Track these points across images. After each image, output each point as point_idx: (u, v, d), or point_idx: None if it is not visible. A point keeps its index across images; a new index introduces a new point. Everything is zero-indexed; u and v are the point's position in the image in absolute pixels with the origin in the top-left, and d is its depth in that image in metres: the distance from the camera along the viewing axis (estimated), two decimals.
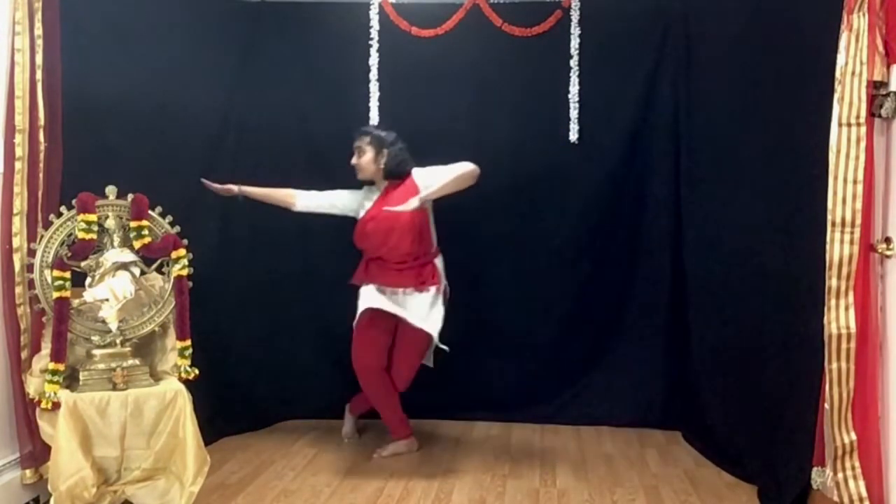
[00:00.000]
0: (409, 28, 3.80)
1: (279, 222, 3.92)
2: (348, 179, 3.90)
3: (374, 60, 3.80)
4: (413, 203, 3.14)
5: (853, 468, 2.43)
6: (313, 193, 3.44)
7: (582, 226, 3.89)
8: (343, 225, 3.94)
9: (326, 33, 3.85)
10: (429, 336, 3.26)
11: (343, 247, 3.95)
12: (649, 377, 3.88)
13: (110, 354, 2.70)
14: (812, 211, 2.52)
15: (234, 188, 3.37)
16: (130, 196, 2.79)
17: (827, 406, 2.47)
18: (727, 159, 3.34)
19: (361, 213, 3.40)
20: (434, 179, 3.23)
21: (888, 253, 2.37)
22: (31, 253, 2.66)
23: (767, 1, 3.05)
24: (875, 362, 2.41)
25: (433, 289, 3.34)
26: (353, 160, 3.38)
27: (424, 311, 3.31)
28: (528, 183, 3.86)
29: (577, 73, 3.77)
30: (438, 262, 3.41)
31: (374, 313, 3.26)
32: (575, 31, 3.75)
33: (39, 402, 2.57)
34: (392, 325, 3.36)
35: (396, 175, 3.35)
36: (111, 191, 2.77)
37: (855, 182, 2.37)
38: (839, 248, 2.39)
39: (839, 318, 2.40)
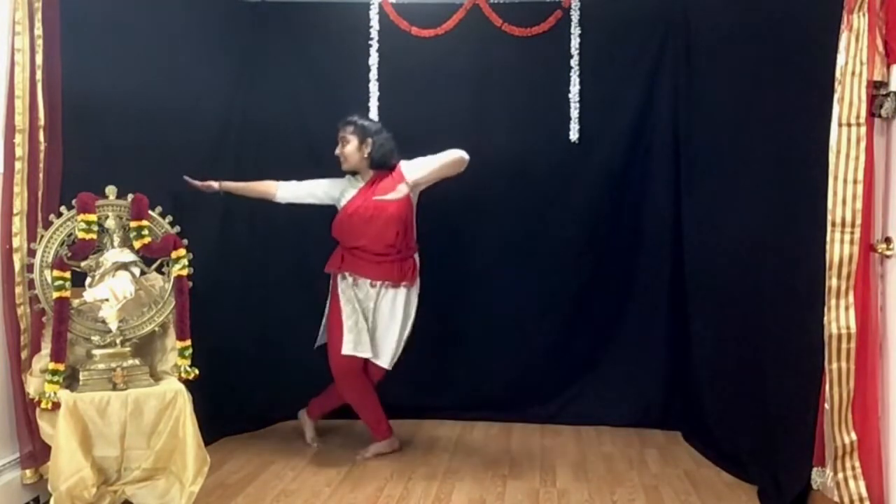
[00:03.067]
0: (409, 28, 3.80)
1: (279, 223, 3.93)
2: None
3: (374, 60, 3.80)
4: (402, 190, 3.13)
5: (853, 468, 2.43)
6: (293, 184, 3.43)
7: (582, 226, 3.89)
8: None
9: (326, 33, 3.85)
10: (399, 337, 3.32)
11: None
12: (649, 377, 3.88)
13: (110, 354, 2.70)
14: (812, 211, 2.52)
15: (215, 184, 3.36)
16: (130, 196, 2.79)
17: (827, 406, 2.47)
18: (727, 159, 3.35)
19: (343, 202, 3.38)
20: (421, 167, 3.24)
21: (888, 253, 2.37)
22: (31, 253, 2.66)
23: (767, 1, 3.05)
24: (875, 362, 2.41)
25: (407, 287, 3.34)
26: (337, 150, 3.38)
27: (393, 323, 3.32)
28: (528, 183, 3.87)
29: (577, 73, 3.77)
30: (416, 258, 3.41)
31: (353, 313, 3.29)
32: (575, 31, 3.75)
33: (39, 402, 2.56)
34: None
35: (382, 165, 3.34)
36: (111, 191, 2.77)
37: (855, 182, 2.37)
38: (839, 248, 2.39)
39: (839, 318, 2.40)
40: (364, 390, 3.41)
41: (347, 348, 3.27)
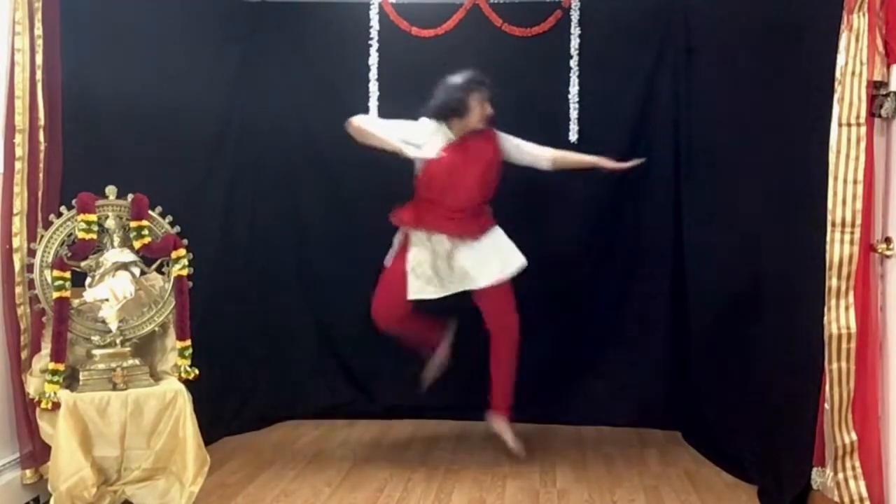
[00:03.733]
0: (409, 28, 3.80)
1: (279, 222, 3.93)
2: (348, 179, 3.91)
3: (373, 60, 3.80)
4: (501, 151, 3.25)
5: (853, 468, 2.43)
6: (370, 120, 3.35)
7: (582, 226, 3.89)
8: (343, 225, 3.96)
9: (326, 33, 3.85)
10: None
11: (343, 247, 3.97)
12: (649, 377, 3.87)
13: (110, 354, 2.70)
14: (812, 211, 2.52)
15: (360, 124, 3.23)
16: (130, 196, 2.79)
17: (827, 406, 2.47)
18: (727, 159, 3.34)
19: (426, 150, 3.21)
20: (520, 147, 3.31)
21: (888, 253, 2.37)
22: (31, 253, 2.66)
23: (767, 1, 3.05)
24: (875, 362, 2.41)
25: (489, 232, 3.32)
26: (488, 110, 3.26)
27: (491, 259, 3.27)
28: (528, 183, 3.85)
29: (577, 73, 3.77)
30: (488, 207, 3.40)
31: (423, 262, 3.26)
32: (575, 31, 3.75)
33: (39, 402, 2.57)
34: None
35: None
36: (111, 191, 2.77)
37: (855, 182, 2.36)
38: (839, 248, 2.39)
39: (839, 318, 2.40)
40: (409, 326, 3.38)
41: (413, 290, 3.24)
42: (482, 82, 3.27)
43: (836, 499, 2.47)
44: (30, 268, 2.66)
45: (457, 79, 3.27)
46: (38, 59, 2.72)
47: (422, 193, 3.31)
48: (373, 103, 3.80)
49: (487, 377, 3.47)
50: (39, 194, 2.76)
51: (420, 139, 3.26)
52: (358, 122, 3.23)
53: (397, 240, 3.40)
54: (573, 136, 3.78)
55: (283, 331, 3.96)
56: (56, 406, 2.54)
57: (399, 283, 3.28)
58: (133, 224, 2.77)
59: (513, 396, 3.46)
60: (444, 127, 3.29)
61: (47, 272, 2.65)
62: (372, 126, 3.26)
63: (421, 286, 3.27)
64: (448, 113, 3.26)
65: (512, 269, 3.30)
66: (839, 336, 2.40)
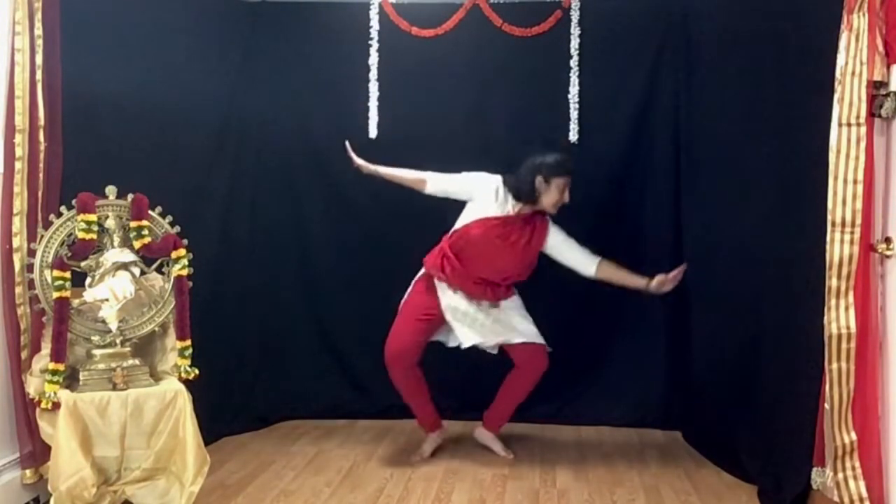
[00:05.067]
0: (409, 28, 3.80)
1: (280, 222, 3.93)
2: (348, 178, 3.90)
3: (373, 60, 3.80)
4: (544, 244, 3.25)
5: (853, 468, 2.43)
6: (442, 178, 3.27)
7: (582, 225, 3.88)
8: (343, 224, 3.96)
9: (326, 33, 3.85)
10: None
11: (343, 247, 3.97)
12: (649, 377, 3.88)
13: (110, 354, 2.69)
14: (812, 211, 2.52)
15: (359, 161, 3.30)
16: (130, 196, 2.79)
17: (827, 406, 2.47)
18: (727, 159, 3.34)
19: (479, 211, 3.22)
20: (572, 246, 3.29)
21: (888, 253, 2.37)
22: (31, 253, 2.66)
23: (767, 1, 3.05)
24: (875, 362, 2.41)
25: (507, 300, 3.36)
26: (566, 198, 3.22)
27: (515, 321, 3.31)
28: None
29: (577, 73, 3.77)
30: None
31: (428, 309, 3.29)
32: (575, 31, 3.75)
33: (39, 402, 2.56)
34: (438, 325, 3.35)
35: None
36: (111, 191, 2.77)
37: (855, 182, 2.36)
38: (839, 248, 2.39)
39: (839, 318, 2.40)
40: (415, 382, 3.37)
41: (463, 337, 3.27)
42: (570, 170, 3.20)
43: (836, 499, 2.47)
44: (30, 268, 2.66)
45: (545, 159, 3.16)
46: (38, 59, 2.72)
47: (454, 251, 3.28)
48: (373, 103, 3.80)
49: (493, 391, 3.50)
50: (39, 194, 2.76)
51: (485, 194, 3.23)
52: (431, 188, 3.28)
53: (419, 281, 3.41)
54: (573, 136, 3.78)
55: (283, 331, 3.96)
56: (56, 406, 2.54)
57: (419, 321, 3.31)
58: (133, 224, 2.77)
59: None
60: (510, 197, 3.22)
61: (47, 272, 2.65)
62: (445, 186, 3.27)
63: (466, 333, 3.28)
64: (518, 195, 3.21)
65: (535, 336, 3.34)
66: (839, 336, 2.40)
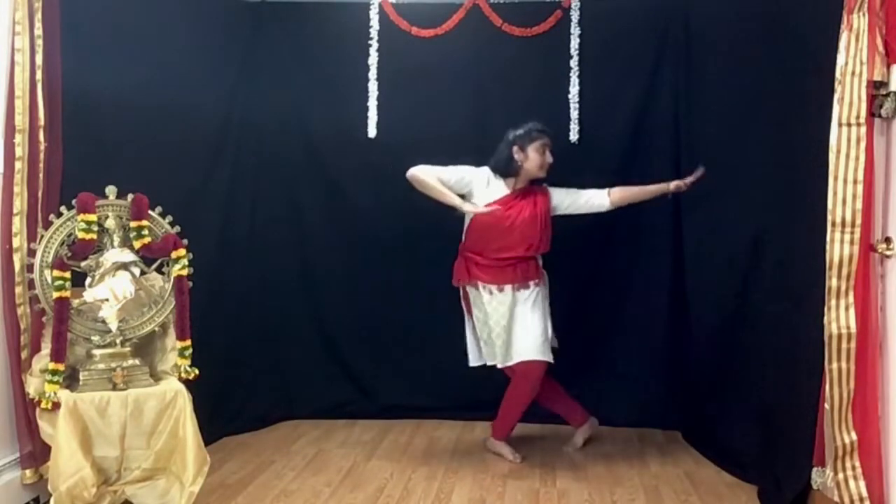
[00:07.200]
0: (409, 28, 3.80)
1: (279, 222, 3.93)
2: (348, 178, 3.92)
3: (373, 60, 3.80)
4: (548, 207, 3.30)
5: (853, 468, 2.43)
6: (441, 171, 3.28)
7: (582, 225, 3.89)
8: (342, 225, 3.96)
9: (326, 33, 3.85)
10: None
11: (343, 247, 3.97)
12: (649, 377, 3.88)
13: (110, 354, 2.69)
14: (812, 211, 2.52)
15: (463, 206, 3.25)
16: (130, 196, 2.79)
17: (827, 406, 2.47)
18: (727, 159, 3.34)
19: (479, 199, 3.28)
20: (579, 193, 3.35)
21: (888, 253, 2.37)
22: (31, 253, 2.66)
23: (767, 1, 3.05)
24: (875, 362, 2.41)
25: (535, 284, 3.34)
26: (548, 159, 3.31)
27: (534, 318, 3.31)
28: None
29: (577, 73, 3.77)
30: (539, 259, 3.43)
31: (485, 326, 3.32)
32: (575, 31, 3.76)
33: (39, 402, 2.56)
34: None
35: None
36: (111, 191, 2.77)
37: (855, 182, 2.36)
38: (839, 248, 2.39)
39: (839, 318, 2.40)
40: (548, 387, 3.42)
41: (472, 359, 3.39)
42: (542, 131, 3.31)
43: (836, 499, 2.47)
44: (30, 268, 2.66)
45: (516, 131, 3.31)
46: (38, 59, 2.72)
47: (470, 245, 3.34)
48: (372, 103, 3.80)
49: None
50: (39, 194, 2.76)
51: (478, 187, 3.32)
52: (417, 172, 3.26)
53: (464, 300, 3.44)
54: (573, 136, 3.78)
55: (283, 331, 3.96)
56: (56, 406, 2.54)
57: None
58: (133, 224, 2.77)
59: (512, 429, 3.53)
60: (500, 178, 3.34)
61: (47, 272, 2.64)
62: (431, 178, 3.24)
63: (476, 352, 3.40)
64: (503, 170, 3.32)
65: (548, 357, 3.33)
66: (839, 336, 2.40)
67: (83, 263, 2.72)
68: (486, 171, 3.35)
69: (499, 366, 3.33)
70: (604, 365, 3.94)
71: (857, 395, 2.40)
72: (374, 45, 3.80)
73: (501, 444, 3.49)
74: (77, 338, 2.71)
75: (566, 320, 3.93)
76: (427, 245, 3.76)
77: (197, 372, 2.80)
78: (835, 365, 2.42)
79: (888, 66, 2.33)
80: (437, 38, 3.80)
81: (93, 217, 2.69)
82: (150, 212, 2.81)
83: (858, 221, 2.36)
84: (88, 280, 2.72)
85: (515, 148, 3.29)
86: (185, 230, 2.88)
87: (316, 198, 3.96)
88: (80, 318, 2.71)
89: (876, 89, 2.36)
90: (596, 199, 3.37)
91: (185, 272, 2.81)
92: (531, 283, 3.33)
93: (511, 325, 3.29)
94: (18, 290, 2.70)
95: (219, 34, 3.66)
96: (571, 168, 3.82)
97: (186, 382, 2.75)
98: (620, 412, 3.88)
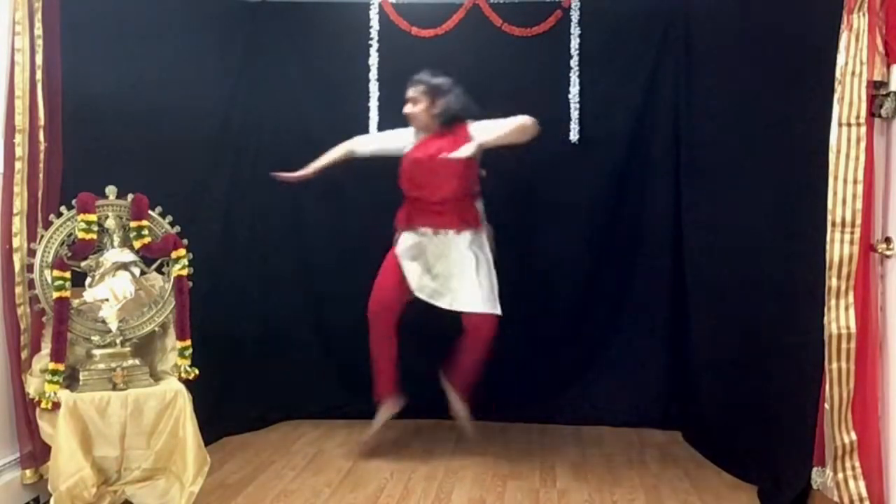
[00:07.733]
0: (409, 28, 3.81)
1: (279, 223, 3.93)
2: (348, 178, 3.91)
3: (374, 60, 3.80)
4: (467, 150, 3.22)
5: (853, 468, 2.43)
6: (368, 139, 3.56)
7: (582, 226, 3.89)
8: (342, 225, 3.96)
9: (326, 33, 3.85)
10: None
11: (342, 247, 3.97)
12: (649, 377, 3.87)
13: (110, 354, 2.69)
14: (812, 211, 2.52)
15: (306, 171, 3.43)
16: (130, 196, 2.79)
17: (827, 406, 2.47)
18: (727, 159, 3.35)
19: (405, 151, 3.38)
20: (490, 130, 3.28)
21: (888, 253, 2.37)
22: (31, 253, 2.66)
23: (767, 1, 3.05)
24: (875, 362, 2.41)
25: (471, 231, 3.34)
26: (407, 109, 3.36)
27: (468, 279, 3.28)
28: (528, 183, 3.86)
29: (577, 73, 3.77)
30: (479, 204, 3.42)
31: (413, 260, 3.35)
32: (575, 31, 3.76)
33: (39, 402, 2.56)
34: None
35: (450, 123, 3.33)
36: (111, 191, 2.77)
37: (855, 182, 2.36)
38: (839, 248, 2.39)
39: (839, 318, 2.40)
40: (384, 344, 3.40)
41: (410, 277, 3.33)
42: (413, 80, 3.36)
43: (836, 499, 2.47)
44: (30, 268, 2.66)
45: None
46: (38, 59, 2.72)
47: (405, 192, 3.41)
48: (373, 103, 3.80)
49: (483, 379, 3.49)
50: (39, 194, 2.76)
51: (407, 143, 3.40)
52: (361, 150, 3.47)
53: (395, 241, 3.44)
54: (574, 136, 3.78)
55: (282, 331, 3.95)
56: (56, 406, 2.54)
57: (391, 275, 3.37)
58: (133, 224, 2.77)
59: (472, 394, 3.51)
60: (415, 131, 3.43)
61: (47, 272, 2.64)
62: (336, 150, 3.46)
63: (417, 274, 3.34)
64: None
65: (496, 310, 3.30)
66: (839, 336, 2.40)
67: (83, 263, 2.72)
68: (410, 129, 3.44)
69: (432, 300, 3.33)
70: (604, 364, 3.94)
71: (856, 395, 2.40)
72: (374, 45, 3.80)
73: (454, 395, 3.49)
74: (77, 338, 2.71)
75: (567, 320, 3.94)
76: None
77: (197, 372, 2.80)
78: (835, 365, 2.42)
79: (888, 66, 2.33)
80: (437, 38, 3.80)
81: (93, 217, 2.69)
82: (150, 212, 2.81)
83: (858, 221, 2.36)
84: (88, 280, 2.72)
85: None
86: (185, 230, 2.88)
87: (316, 198, 3.96)
88: (80, 318, 2.71)
89: (876, 89, 2.36)
90: (512, 127, 3.28)
91: (185, 272, 2.81)
92: (465, 230, 3.34)
93: (446, 269, 3.34)
94: (18, 290, 2.70)
95: (219, 34, 3.66)
96: (572, 168, 3.83)
97: (186, 382, 2.75)
98: (621, 412, 3.88)
